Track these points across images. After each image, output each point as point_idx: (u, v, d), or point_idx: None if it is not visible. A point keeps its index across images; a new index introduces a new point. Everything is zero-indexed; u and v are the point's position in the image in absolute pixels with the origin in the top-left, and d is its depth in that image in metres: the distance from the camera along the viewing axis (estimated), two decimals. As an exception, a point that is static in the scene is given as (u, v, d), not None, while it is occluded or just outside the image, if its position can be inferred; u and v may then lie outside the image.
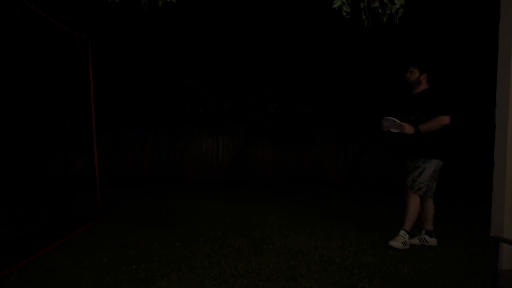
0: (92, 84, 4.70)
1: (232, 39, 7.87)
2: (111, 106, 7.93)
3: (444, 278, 3.06)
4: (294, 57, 8.21)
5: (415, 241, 4.02)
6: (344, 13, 2.62)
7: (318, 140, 9.36)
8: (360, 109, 8.57)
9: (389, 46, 7.60)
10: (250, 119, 8.26)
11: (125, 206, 5.68)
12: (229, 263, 3.26)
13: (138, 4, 2.96)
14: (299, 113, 8.24)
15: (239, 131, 9.17)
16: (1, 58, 5.32)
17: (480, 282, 2.98)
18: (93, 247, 3.60)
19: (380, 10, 2.65)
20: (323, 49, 8.08)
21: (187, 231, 4.32)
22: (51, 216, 4.84)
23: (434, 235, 4.04)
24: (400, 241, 3.80)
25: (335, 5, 2.58)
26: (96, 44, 4.94)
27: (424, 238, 4.03)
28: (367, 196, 7.75)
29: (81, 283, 2.77)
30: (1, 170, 6.16)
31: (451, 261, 3.48)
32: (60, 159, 7.49)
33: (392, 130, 3.98)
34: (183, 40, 7.98)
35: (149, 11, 3.18)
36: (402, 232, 3.85)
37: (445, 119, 3.79)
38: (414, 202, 3.91)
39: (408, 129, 3.84)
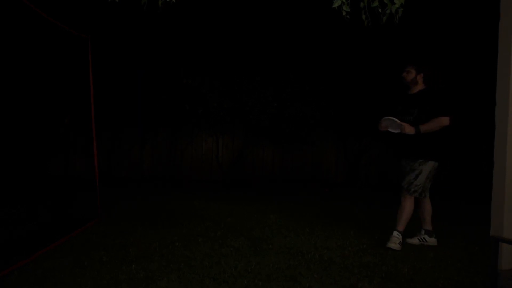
0: (92, 84, 4.70)
1: (232, 39, 7.87)
2: (111, 106, 7.92)
3: (444, 278, 3.06)
4: (294, 57, 8.19)
5: (415, 241, 4.02)
6: (344, 13, 2.63)
7: (318, 140, 9.34)
8: (360, 109, 8.56)
9: (389, 46, 7.59)
10: (250, 119, 8.25)
11: (125, 206, 5.67)
12: (229, 263, 3.26)
13: (138, 4, 2.96)
14: (299, 113, 8.23)
15: (239, 131, 9.16)
16: (1, 58, 5.33)
17: (480, 282, 2.98)
18: (93, 247, 3.60)
19: (380, 10, 2.65)
20: (323, 49, 8.08)
21: (187, 231, 4.32)
22: (51, 216, 4.83)
23: (433, 235, 4.04)
24: (396, 242, 3.80)
25: (335, 5, 2.58)
26: (96, 44, 4.94)
27: (423, 238, 4.03)
28: (367, 196, 7.74)
29: (81, 283, 2.77)
30: (1, 170, 6.16)
31: (451, 261, 3.48)
32: (60, 159, 7.48)
33: (390, 130, 3.95)
34: (183, 40, 7.97)
35: (148, 11, 3.18)
36: (396, 233, 3.85)
37: (445, 120, 3.78)
38: (410, 205, 3.91)
39: (409, 129, 3.82)
